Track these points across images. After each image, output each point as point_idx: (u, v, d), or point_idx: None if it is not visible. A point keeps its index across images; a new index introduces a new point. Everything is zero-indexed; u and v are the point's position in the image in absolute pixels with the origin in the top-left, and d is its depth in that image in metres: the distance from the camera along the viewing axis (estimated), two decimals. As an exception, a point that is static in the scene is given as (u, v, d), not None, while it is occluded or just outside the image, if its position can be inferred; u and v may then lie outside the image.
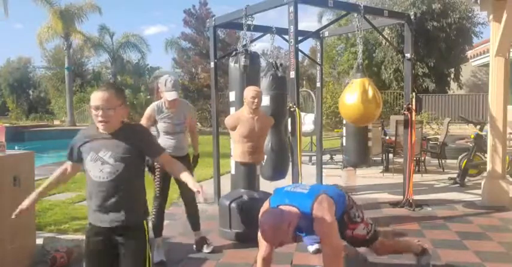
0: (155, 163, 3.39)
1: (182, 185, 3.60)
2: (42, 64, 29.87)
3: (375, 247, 2.91)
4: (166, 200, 3.68)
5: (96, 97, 2.14)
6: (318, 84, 6.55)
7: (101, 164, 2.12)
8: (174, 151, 3.44)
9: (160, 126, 3.58)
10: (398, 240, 3.29)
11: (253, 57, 4.42)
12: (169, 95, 3.48)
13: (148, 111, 3.60)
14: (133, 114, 23.71)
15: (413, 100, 5.23)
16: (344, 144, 6.37)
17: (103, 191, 2.13)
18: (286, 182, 4.59)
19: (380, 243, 2.93)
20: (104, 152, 2.11)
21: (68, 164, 2.36)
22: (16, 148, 3.65)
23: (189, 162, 3.70)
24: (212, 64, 5.42)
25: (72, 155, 2.29)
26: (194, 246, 3.70)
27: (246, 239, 3.86)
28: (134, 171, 2.17)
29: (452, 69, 18.31)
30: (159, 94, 3.59)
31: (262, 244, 2.72)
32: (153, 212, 3.55)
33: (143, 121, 3.55)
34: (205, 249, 3.61)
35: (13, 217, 2.30)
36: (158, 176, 3.53)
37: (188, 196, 3.60)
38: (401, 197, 5.26)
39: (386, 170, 7.65)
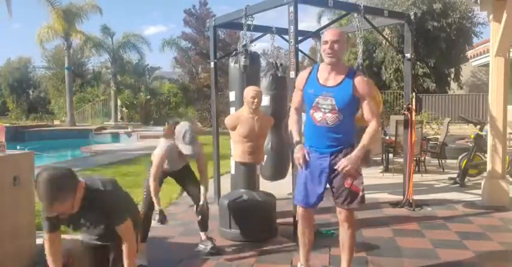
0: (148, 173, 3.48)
1: (189, 189, 3.63)
2: (42, 64, 29.90)
3: (352, 216, 2.88)
4: (153, 209, 3.53)
5: (47, 208, 2.16)
6: (318, 84, 6.54)
7: (87, 229, 2.36)
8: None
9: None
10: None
11: (253, 57, 4.42)
12: (186, 149, 3.40)
13: (163, 156, 3.42)
14: (133, 114, 23.81)
15: (413, 100, 5.23)
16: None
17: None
18: (286, 182, 4.60)
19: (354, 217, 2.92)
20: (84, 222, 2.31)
21: (52, 235, 2.42)
22: (18, 147, 3.65)
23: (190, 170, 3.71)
24: (212, 64, 5.42)
25: (50, 227, 2.38)
26: (200, 246, 3.69)
27: (246, 239, 3.86)
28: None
29: (453, 69, 18.30)
30: (172, 133, 3.47)
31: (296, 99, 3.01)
32: (142, 214, 3.48)
33: (154, 169, 3.38)
34: (211, 249, 3.58)
35: None
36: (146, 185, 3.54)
37: (197, 197, 3.60)
38: (401, 197, 5.26)
39: (386, 170, 7.65)
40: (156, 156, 3.42)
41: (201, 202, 3.51)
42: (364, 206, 5.20)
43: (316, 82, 2.82)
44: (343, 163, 2.70)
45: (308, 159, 2.84)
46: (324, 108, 2.76)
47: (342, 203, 2.82)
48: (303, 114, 3.04)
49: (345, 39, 2.87)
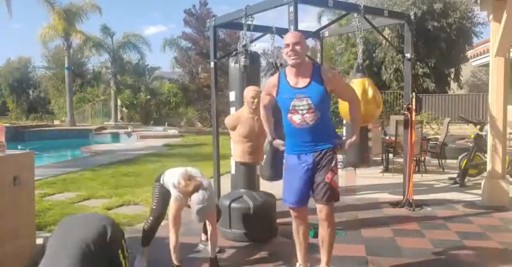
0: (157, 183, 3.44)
1: None
2: (42, 64, 29.91)
3: (332, 215, 2.94)
4: (163, 217, 3.53)
5: None
6: (318, 84, 6.53)
7: None
8: None
9: None
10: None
11: (253, 57, 4.42)
12: (193, 214, 3.11)
13: (179, 205, 3.23)
14: (133, 114, 23.81)
15: (413, 100, 5.23)
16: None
17: None
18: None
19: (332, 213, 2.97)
20: None
21: None
22: (19, 147, 3.65)
23: None
24: (212, 64, 5.41)
25: None
26: (200, 246, 3.69)
27: (246, 239, 3.86)
28: None
29: (452, 69, 18.30)
30: (188, 194, 3.12)
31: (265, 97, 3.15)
32: (148, 223, 3.49)
33: (172, 216, 3.20)
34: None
35: None
36: (157, 193, 3.47)
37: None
38: (401, 197, 5.27)
39: (386, 170, 7.65)
40: (171, 203, 3.24)
41: (210, 255, 3.34)
42: (364, 206, 5.25)
43: (288, 86, 2.90)
44: (347, 143, 2.94)
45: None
46: (301, 109, 2.83)
47: (321, 198, 2.87)
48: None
49: (305, 40, 2.98)
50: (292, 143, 2.97)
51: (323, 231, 2.96)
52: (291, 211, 3.04)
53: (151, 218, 3.50)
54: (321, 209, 2.90)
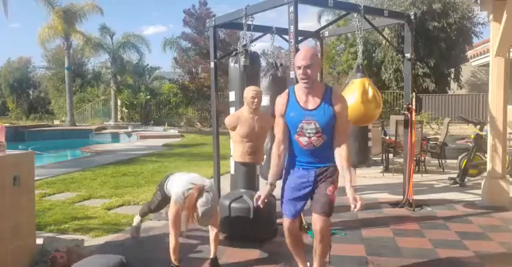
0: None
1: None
2: (42, 64, 29.94)
3: (327, 228, 2.88)
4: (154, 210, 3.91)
5: None
6: (318, 84, 6.53)
7: None
8: None
9: None
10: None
11: (253, 57, 4.42)
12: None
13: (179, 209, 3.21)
14: (133, 114, 23.80)
15: (413, 100, 5.23)
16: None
17: None
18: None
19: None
20: None
21: None
22: (20, 147, 3.66)
23: None
24: (212, 64, 5.41)
25: None
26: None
27: (245, 239, 3.86)
28: None
29: (452, 69, 18.30)
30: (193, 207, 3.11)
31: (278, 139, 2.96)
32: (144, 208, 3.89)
33: (172, 220, 3.20)
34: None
35: None
36: (159, 194, 3.62)
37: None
38: (402, 197, 5.26)
39: (386, 170, 7.65)
40: (172, 205, 3.25)
41: (210, 256, 3.37)
42: (364, 206, 5.23)
43: (297, 105, 2.84)
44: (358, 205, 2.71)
45: (264, 202, 2.93)
46: (309, 133, 2.80)
47: (319, 209, 2.83)
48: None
49: (319, 58, 2.88)
50: (295, 160, 2.96)
51: (317, 244, 2.91)
52: (287, 224, 3.00)
53: (148, 206, 3.82)
54: (316, 220, 2.85)
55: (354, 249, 3.73)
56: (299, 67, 2.76)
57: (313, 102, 2.81)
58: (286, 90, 2.97)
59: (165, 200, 3.53)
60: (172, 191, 3.31)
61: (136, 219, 4.04)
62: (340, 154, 2.81)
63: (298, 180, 2.92)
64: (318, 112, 2.79)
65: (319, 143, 2.82)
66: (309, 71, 2.75)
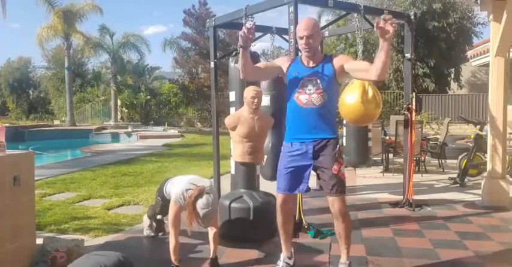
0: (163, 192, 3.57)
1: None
2: (42, 64, 29.95)
3: (344, 207, 2.91)
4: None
5: None
6: (318, 84, 6.53)
7: None
8: None
9: None
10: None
11: (253, 57, 4.41)
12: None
13: (179, 209, 3.24)
14: (133, 114, 23.81)
15: (413, 100, 5.23)
16: (344, 144, 6.38)
17: None
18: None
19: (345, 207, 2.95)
20: None
21: None
22: (20, 147, 3.66)
23: None
24: (212, 64, 5.41)
25: None
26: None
27: (245, 239, 3.86)
28: None
29: (452, 69, 18.31)
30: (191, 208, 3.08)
31: None
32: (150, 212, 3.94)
33: (172, 220, 3.21)
34: None
35: None
36: (159, 200, 3.65)
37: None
38: (402, 197, 5.26)
39: (386, 170, 7.65)
40: (171, 205, 3.24)
41: (210, 256, 3.35)
42: (364, 206, 5.24)
43: (301, 64, 2.97)
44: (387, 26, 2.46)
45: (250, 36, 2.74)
46: (309, 89, 2.87)
47: (330, 190, 2.86)
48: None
49: (319, 28, 3.00)
50: (293, 129, 2.97)
51: (338, 226, 2.96)
52: (279, 199, 3.03)
53: (153, 210, 3.90)
54: (332, 202, 2.89)
55: (354, 249, 3.70)
56: (301, 38, 2.87)
57: (314, 62, 2.95)
58: (293, 57, 3.16)
59: (165, 203, 3.51)
60: (172, 191, 3.31)
61: (145, 219, 4.08)
62: (375, 63, 2.69)
63: (294, 154, 2.93)
64: (319, 69, 2.90)
65: (319, 101, 2.85)
66: (311, 41, 2.85)
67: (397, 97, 16.86)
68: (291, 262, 3.18)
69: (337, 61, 2.91)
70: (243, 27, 2.67)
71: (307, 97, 2.86)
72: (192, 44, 22.59)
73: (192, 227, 3.13)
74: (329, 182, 2.85)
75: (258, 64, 3.08)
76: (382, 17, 2.46)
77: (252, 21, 2.90)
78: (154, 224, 4.08)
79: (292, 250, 3.23)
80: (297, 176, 2.93)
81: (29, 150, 3.55)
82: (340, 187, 2.85)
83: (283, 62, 3.07)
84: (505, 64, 5.18)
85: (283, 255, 3.20)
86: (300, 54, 3.08)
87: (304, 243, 3.72)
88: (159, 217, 3.99)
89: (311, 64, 2.94)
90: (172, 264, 3.20)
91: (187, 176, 3.41)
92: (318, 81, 2.85)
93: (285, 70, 3.02)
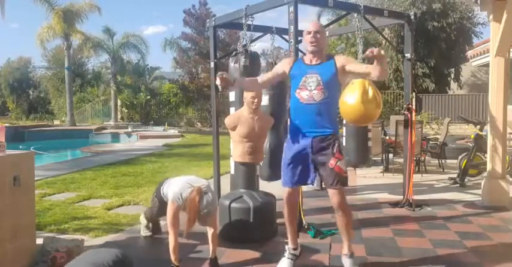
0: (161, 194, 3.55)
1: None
2: (42, 64, 29.94)
3: (344, 201, 2.96)
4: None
5: None
6: (318, 84, 6.53)
7: None
8: None
9: None
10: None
11: (253, 57, 4.42)
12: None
13: (176, 208, 3.23)
14: (133, 114, 23.81)
15: (413, 100, 5.22)
16: (344, 144, 6.37)
17: None
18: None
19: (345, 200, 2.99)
20: None
21: None
22: (20, 147, 3.66)
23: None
24: (212, 64, 5.41)
25: None
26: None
27: (245, 239, 3.86)
28: None
29: (452, 69, 18.30)
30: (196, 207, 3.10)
31: None
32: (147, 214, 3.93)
33: (170, 220, 3.21)
34: None
35: None
36: (157, 201, 3.64)
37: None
38: (402, 197, 5.26)
39: (386, 170, 7.65)
40: (169, 205, 3.23)
41: (210, 256, 3.35)
42: (364, 206, 5.24)
43: (302, 63, 3.06)
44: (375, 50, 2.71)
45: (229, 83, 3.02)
46: (310, 86, 2.94)
47: (330, 184, 2.94)
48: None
49: (325, 33, 3.14)
50: (295, 124, 3.03)
51: (339, 220, 3.03)
52: (286, 193, 3.12)
53: (150, 213, 3.86)
54: (332, 194, 2.95)
55: (354, 249, 3.70)
56: (309, 32, 2.98)
57: (316, 61, 3.02)
58: (295, 57, 3.25)
59: (162, 205, 3.50)
60: (170, 192, 3.32)
61: (142, 219, 4.08)
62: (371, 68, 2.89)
63: (297, 149, 2.99)
64: (321, 67, 2.97)
65: (319, 97, 2.91)
66: (318, 35, 2.96)
67: (397, 97, 16.86)
68: (296, 253, 3.24)
69: (339, 61, 2.99)
70: (217, 77, 2.94)
71: (308, 93, 2.93)
72: (192, 44, 22.58)
73: (188, 230, 3.15)
74: (327, 177, 2.95)
75: (264, 78, 3.20)
76: (368, 52, 2.70)
77: (222, 74, 3.01)
78: (150, 224, 4.08)
79: (298, 242, 3.28)
80: (300, 170, 3.02)
81: (30, 150, 3.54)
82: (338, 180, 2.92)
83: (284, 65, 3.14)
84: (505, 64, 5.18)
85: (288, 247, 3.25)
86: (300, 56, 3.21)
87: (304, 243, 3.71)
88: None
89: (313, 62, 3.01)
90: (172, 264, 3.20)
91: (185, 177, 3.42)
92: (319, 78, 2.92)
93: (287, 72, 3.10)
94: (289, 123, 3.12)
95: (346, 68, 2.97)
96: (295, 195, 3.16)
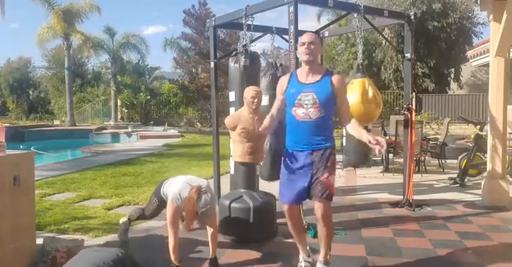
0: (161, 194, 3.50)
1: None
2: (42, 64, 29.92)
3: (328, 214, 2.95)
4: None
5: None
6: (318, 84, 6.53)
7: None
8: None
9: None
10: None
11: (253, 57, 4.42)
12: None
13: (176, 208, 3.22)
14: (133, 114, 23.81)
15: (413, 100, 5.22)
16: (344, 144, 6.37)
17: None
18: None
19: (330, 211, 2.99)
20: None
21: None
22: (21, 147, 3.66)
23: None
24: (212, 64, 5.41)
25: None
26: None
27: (246, 239, 3.86)
28: None
29: (452, 69, 18.30)
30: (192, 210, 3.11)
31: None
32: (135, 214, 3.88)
33: (170, 219, 3.19)
34: None
35: None
36: (156, 200, 3.60)
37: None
38: (402, 197, 5.26)
39: (386, 170, 7.65)
40: (169, 205, 3.22)
41: (210, 256, 3.35)
42: (364, 206, 5.24)
43: (297, 81, 3.01)
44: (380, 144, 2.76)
45: (269, 130, 2.97)
46: (306, 104, 2.92)
47: (318, 196, 2.91)
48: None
49: (320, 44, 3.08)
50: (292, 140, 3.03)
51: (320, 230, 3.03)
52: (286, 209, 3.09)
53: (142, 212, 3.81)
54: (318, 207, 2.94)
55: (354, 249, 3.73)
56: (303, 43, 2.95)
57: (313, 78, 2.98)
58: (290, 73, 3.16)
59: (161, 204, 3.49)
60: (169, 192, 3.31)
61: (123, 220, 3.96)
62: (353, 127, 2.96)
63: (295, 164, 2.99)
64: (317, 86, 2.94)
65: (316, 115, 2.90)
66: (312, 46, 2.93)
67: (397, 97, 16.86)
68: (310, 260, 3.23)
69: (336, 82, 2.95)
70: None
71: (304, 111, 2.92)
72: (192, 44, 22.58)
73: (187, 229, 3.16)
74: (316, 188, 2.93)
75: (273, 110, 3.06)
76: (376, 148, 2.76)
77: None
78: (129, 228, 3.96)
79: (309, 248, 3.26)
80: (298, 187, 2.99)
81: (31, 150, 3.54)
82: (328, 193, 2.91)
83: (282, 86, 3.10)
84: (505, 64, 5.18)
85: (301, 256, 3.24)
86: (294, 71, 3.15)
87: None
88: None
89: (309, 79, 2.98)
90: (172, 264, 3.20)
91: (185, 177, 3.42)
92: (315, 96, 2.91)
93: (284, 91, 3.06)
94: (285, 138, 3.10)
95: (336, 94, 2.95)
96: (295, 209, 3.15)
